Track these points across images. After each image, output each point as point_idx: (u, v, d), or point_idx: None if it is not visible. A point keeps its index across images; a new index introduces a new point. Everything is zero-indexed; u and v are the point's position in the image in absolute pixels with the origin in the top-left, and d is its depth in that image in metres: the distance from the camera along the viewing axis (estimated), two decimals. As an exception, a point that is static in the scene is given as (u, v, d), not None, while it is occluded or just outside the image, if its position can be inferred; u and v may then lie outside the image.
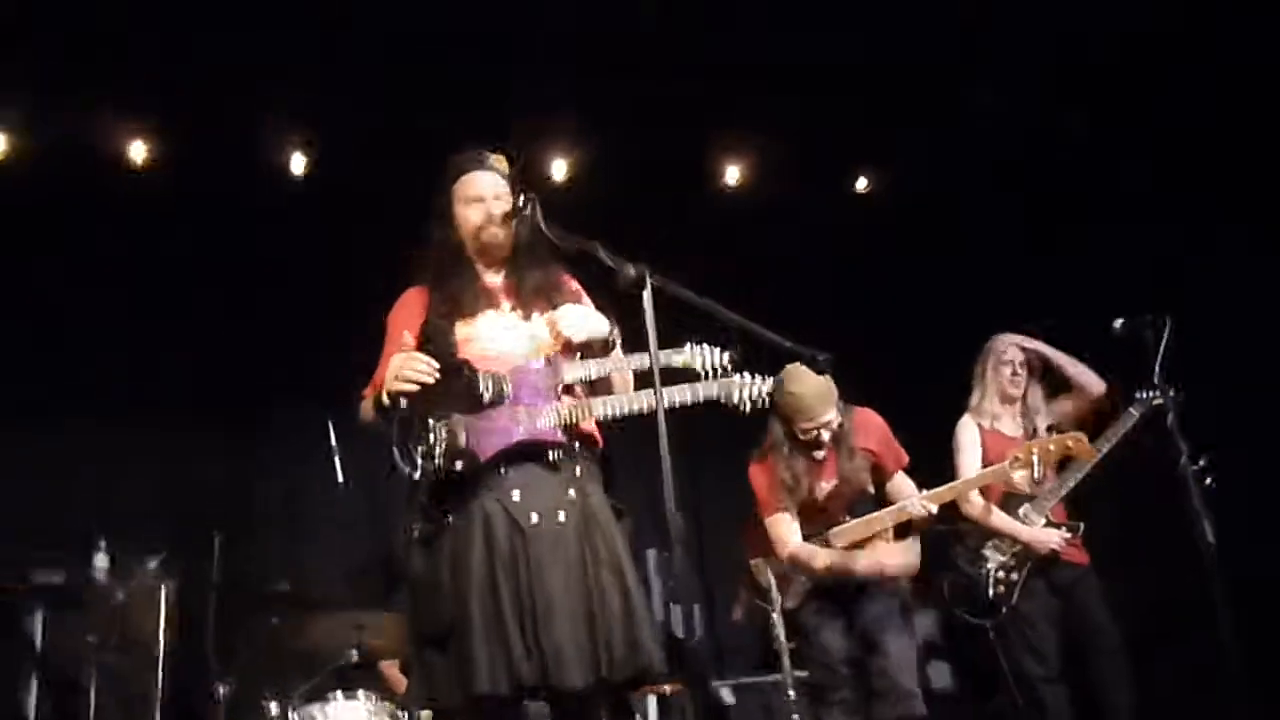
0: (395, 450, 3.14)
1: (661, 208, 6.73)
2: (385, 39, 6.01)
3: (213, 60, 5.87)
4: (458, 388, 3.20)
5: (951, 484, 4.70)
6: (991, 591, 4.92)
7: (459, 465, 3.12)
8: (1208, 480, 4.27)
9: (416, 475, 3.13)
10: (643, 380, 3.25)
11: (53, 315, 6.21)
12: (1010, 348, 5.23)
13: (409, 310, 3.50)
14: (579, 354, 3.35)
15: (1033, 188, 6.77)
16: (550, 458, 3.22)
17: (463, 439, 3.13)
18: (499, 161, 3.54)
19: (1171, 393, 4.61)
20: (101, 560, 5.51)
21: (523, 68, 6.16)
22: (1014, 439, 5.13)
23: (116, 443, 6.24)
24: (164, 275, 6.42)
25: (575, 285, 3.55)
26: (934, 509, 4.48)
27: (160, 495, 6.16)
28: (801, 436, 4.59)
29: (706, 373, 3.30)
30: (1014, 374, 5.18)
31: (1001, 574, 4.95)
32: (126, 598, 5.33)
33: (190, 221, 6.37)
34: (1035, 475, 4.88)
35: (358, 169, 6.48)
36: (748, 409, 3.33)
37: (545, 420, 3.21)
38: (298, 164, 6.63)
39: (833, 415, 4.58)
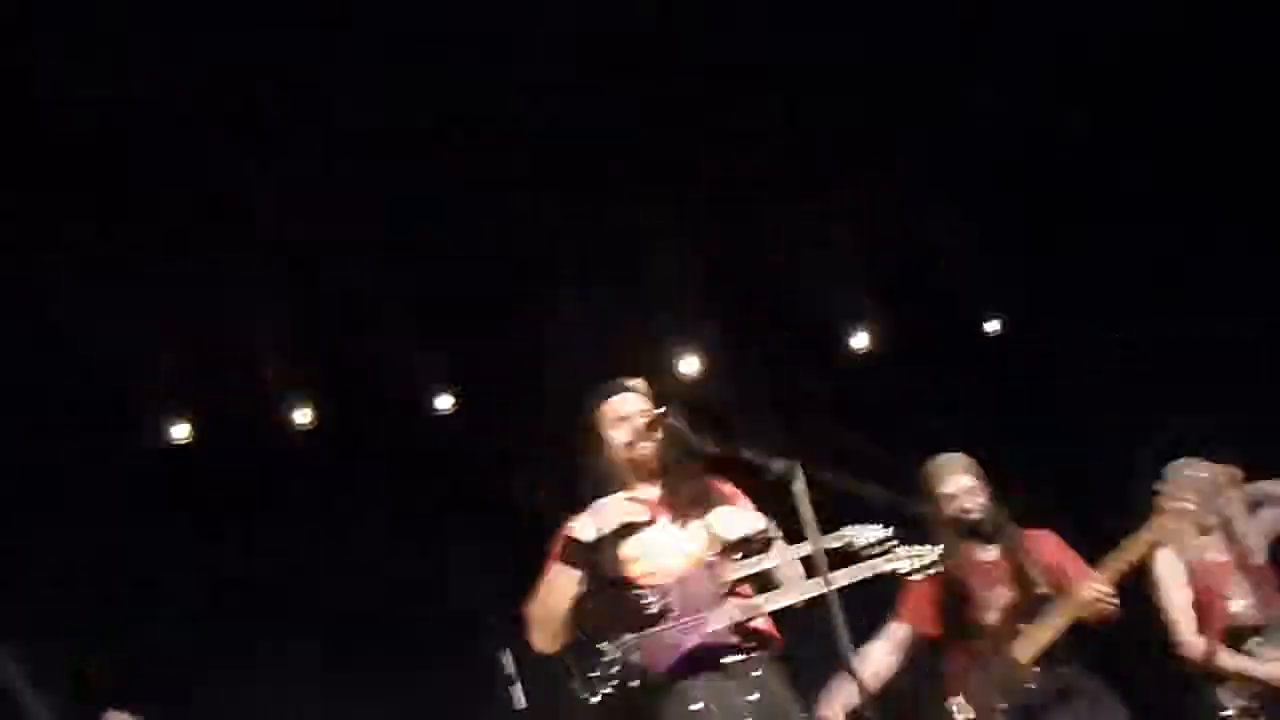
0: (573, 680, 3.15)
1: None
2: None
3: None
4: (624, 605, 3.25)
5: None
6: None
7: (634, 684, 3.12)
8: None
9: (594, 700, 3.12)
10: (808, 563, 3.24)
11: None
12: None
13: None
14: (741, 554, 3.34)
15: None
16: (726, 661, 3.23)
17: (636, 656, 3.14)
18: (638, 384, 3.65)
19: None
20: None
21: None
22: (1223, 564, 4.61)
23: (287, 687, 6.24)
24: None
25: (730, 489, 3.56)
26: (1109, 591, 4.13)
27: None
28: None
29: (868, 551, 3.31)
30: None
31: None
32: None
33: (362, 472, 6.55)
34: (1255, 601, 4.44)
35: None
36: (917, 577, 3.39)
37: (714, 624, 3.22)
38: (444, 403, 6.78)
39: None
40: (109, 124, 5.52)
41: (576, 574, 3.33)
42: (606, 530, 3.35)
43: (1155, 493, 4.48)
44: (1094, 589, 4.10)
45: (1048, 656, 4.17)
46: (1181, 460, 4.58)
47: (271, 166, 5.94)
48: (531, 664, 4.92)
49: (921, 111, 6.74)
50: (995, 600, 4.27)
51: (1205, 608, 4.55)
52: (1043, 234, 6.81)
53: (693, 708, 3.12)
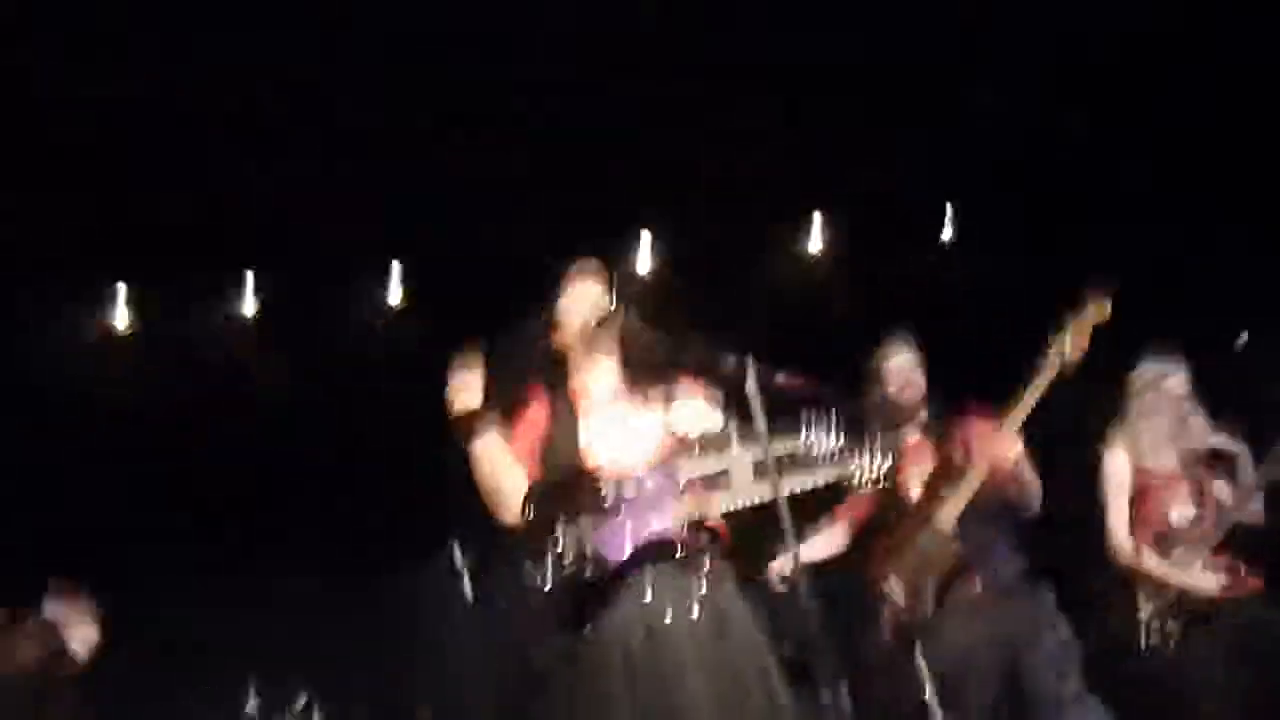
0: (526, 563, 3.14)
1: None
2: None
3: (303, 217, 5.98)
4: (579, 493, 3.26)
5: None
6: (1145, 642, 4.56)
7: (588, 574, 3.15)
8: None
9: (547, 587, 3.13)
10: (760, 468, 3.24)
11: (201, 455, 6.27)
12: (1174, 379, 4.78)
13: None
14: (696, 450, 3.35)
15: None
16: (678, 556, 3.26)
17: (589, 547, 3.16)
18: (596, 265, 3.66)
19: None
20: (251, 706, 5.50)
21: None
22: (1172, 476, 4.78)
23: (263, 587, 6.22)
24: (300, 418, 6.56)
25: (688, 381, 3.52)
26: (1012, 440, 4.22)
27: (306, 639, 6.09)
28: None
29: (823, 459, 3.28)
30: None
31: (1157, 623, 4.57)
32: None
33: (319, 365, 6.58)
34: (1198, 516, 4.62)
35: (451, 294, 6.54)
36: (868, 489, 3.38)
37: (668, 519, 3.25)
38: (394, 295, 6.76)
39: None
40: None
41: (526, 449, 3.37)
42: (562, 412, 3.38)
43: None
44: (997, 441, 4.17)
45: (968, 522, 4.25)
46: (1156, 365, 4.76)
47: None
48: (479, 557, 5.13)
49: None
50: (919, 475, 4.37)
51: (1144, 512, 4.72)
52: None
53: (645, 598, 3.15)
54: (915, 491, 4.41)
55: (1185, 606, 4.56)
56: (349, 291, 6.71)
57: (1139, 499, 4.78)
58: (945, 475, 4.34)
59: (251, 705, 5.45)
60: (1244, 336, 4.32)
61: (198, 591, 6.07)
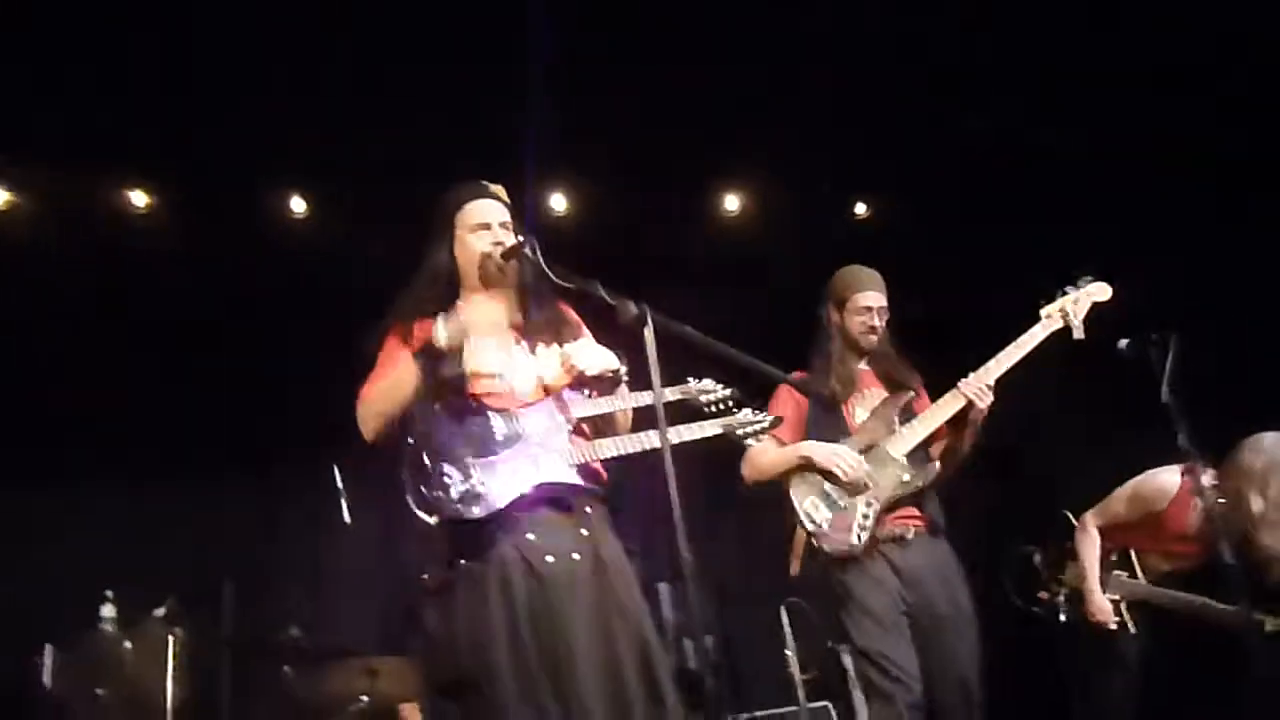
0: (410, 497, 2.99)
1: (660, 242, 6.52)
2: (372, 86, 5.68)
3: (213, 109, 5.56)
4: (470, 428, 3.11)
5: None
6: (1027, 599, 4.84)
7: (476, 511, 2.99)
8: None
9: (432, 522, 3.00)
10: (645, 416, 3.13)
11: (62, 362, 5.90)
12: None
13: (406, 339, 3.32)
14: (589, 390, 3.26)
15: (1032, 188, 6.68)
16: (563, 498, 3.14)
17: (478, 484, 3.02)
18: (499, 191, 3.47)
19: None
20: (108, 611, 5.18)
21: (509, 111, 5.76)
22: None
23: (124, 493, 5.97)
24: (160, 322, 6.08)
25: (576, 319, 3.44)
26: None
27: (169, 545, 5.86)
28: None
29: (710, 409, 3.25)
30: None
31: (1062, 598, 4.78)
32: (134, 648, 5.01)
33: (191, 271, 6.07)
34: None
35: (355, 212, 6.20)
36: (751, 443, 3.32)
37: (559, 461, 3.13)
38: (298, 205, 6.29)
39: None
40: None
41: (416, 368, 3.19)
42: (456, 341, 3.20)
43: None
44: (972, 383, 4.09)
45: (917, 458, 4.17)
46: None
47: None
48: (359, 479, 4.96)
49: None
50: (868, 401, 4.26)
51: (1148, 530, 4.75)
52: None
53: (528, 536, 3.05)
54: (860, 418, 4.25)
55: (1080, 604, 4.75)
56: (247, 201, 6.34)
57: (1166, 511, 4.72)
58: (897, 407, 4.24)
59: (108, 611, 5.20)
60: (1123, 343, 4.32)
61: (58, 497, 5.88)
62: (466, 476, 2.99)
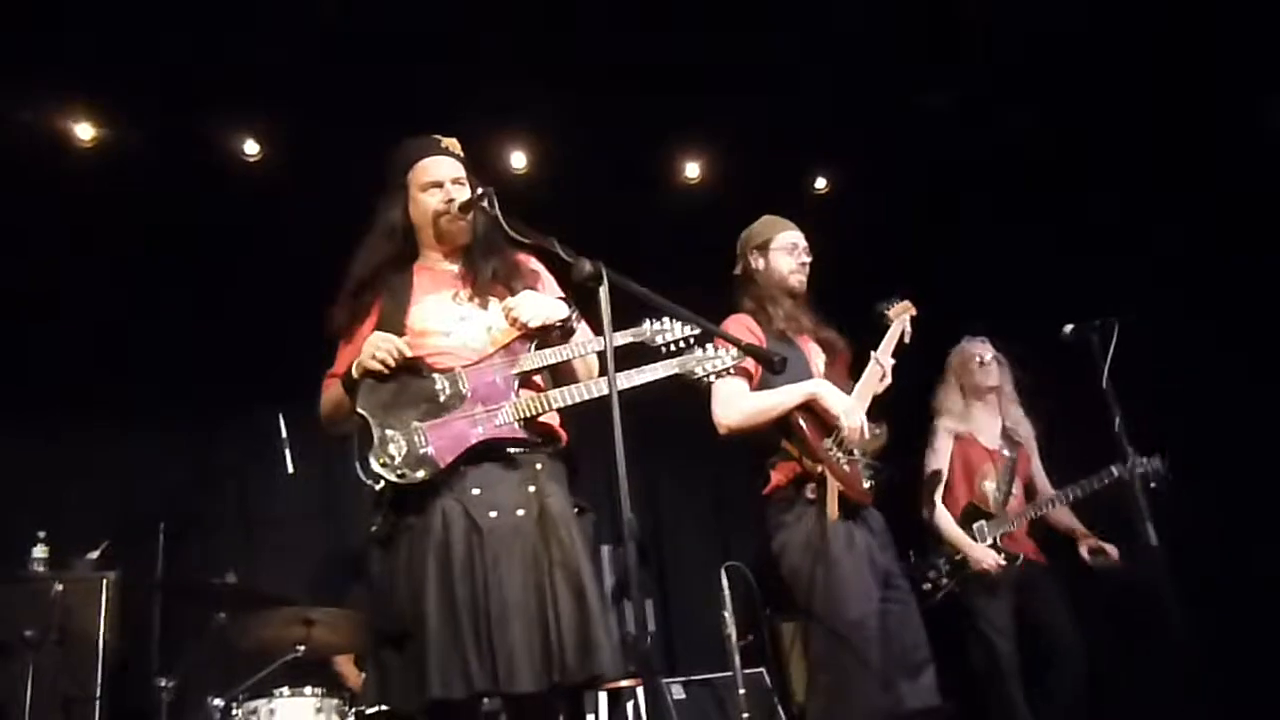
0: (357, 463, 3.01)
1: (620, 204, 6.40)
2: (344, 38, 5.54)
3: (170, 51, 5.39)
4: (414, 390, 3.10)
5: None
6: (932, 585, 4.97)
7: (420, 474, 3.01)
8: (1152, 484, 4.37)
9: (378, 487, 3.02)
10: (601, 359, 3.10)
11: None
12: (977, 345, 5.29)
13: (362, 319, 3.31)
14: (536, 341, 3.22)
15: (1031, 187, 6.65)
16: (510, 453, 3.12)
17: (422, 446, 3.03)
18: (453, 146, 3.41)
19: (1158, 462, 4.74)
20: (40, 551, 5.16)
21: (476, 66, 5.72)
22: (990, 451, 5.20)
23: (59, 435, 5.79)
24: (111, 263, 5.93)
25: (534, 266, 3.39)
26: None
27: (104, 488, 5.74)
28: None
29: (668, 348, 3.20)
30: (983, 367, 5.21)
31: (933, 573, 4.97)
32: (65, 590, 4.97)
33: (139, 212, 5.85)
34: (1001, 496, 5.02)
35: (307, 164, 6.02)
36: (711, 380, 3.24)
37: (503, 416, 3.10)
38: (251, 148, 6.11)
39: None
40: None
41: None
42: (398, 298, 3.25)
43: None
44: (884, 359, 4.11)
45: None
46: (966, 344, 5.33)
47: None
48: (303, 429, 4.92)
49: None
50: (818, 354, 4.16)
51: (958, 479, 5.18)
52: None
53: (473, 491, 3.05)
54: (818, 363, 4.14)
55: (961, 569, 4.98)
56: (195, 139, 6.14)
57: (961, 466, 5.19)
58: (846, 364, 4.17)
59: (40, 552, 5.19)
60: (1068, 328, 4.40)
61: None
62: (411, 440, 3.00)
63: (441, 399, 3.07)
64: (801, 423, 3.86)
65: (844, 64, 5.94)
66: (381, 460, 2.97)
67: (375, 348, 3.10)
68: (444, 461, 3.00)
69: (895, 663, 3.68)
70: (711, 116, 6.36)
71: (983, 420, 5.26)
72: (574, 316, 3.18)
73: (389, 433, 3.00)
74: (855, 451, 3.88)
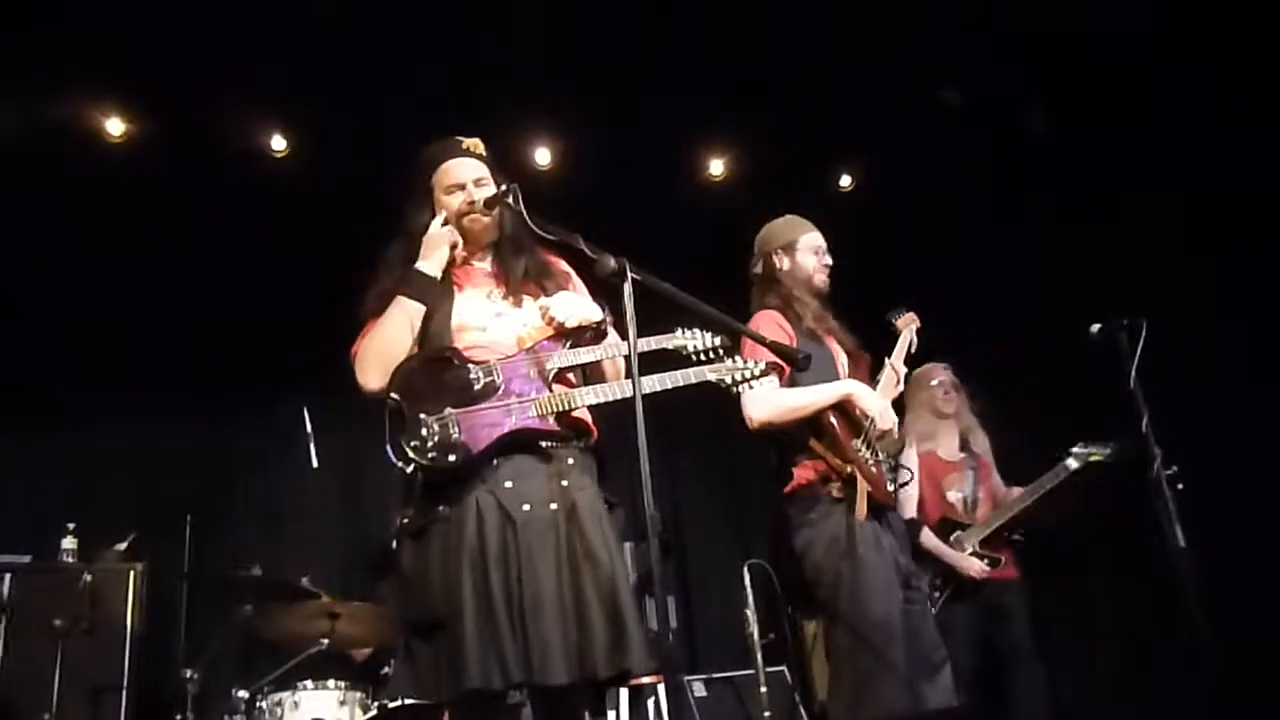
0: (389, 446, 3.03)
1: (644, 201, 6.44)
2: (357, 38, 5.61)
3: (192, 47, 5.46)
4: (449, 379, 3.12)
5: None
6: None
7: (452, 459, 3.03)
8: (1179, 485, 4.24)
9: (409, 470, 3.04)
10: (645, 363, 3.07)
11: (29, 296, 5.78)
12: (939, 371, 5.51)
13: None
14: (569, 341, 3.25)
15: (1029, 188, 6.57)
16: (542, 446, 3.15)
17: (455, 432, 3.05)
18: (475, 147, 3.45)
19: (1111, 447, 5.00)
20: (69, 542, 5.23)
21: (496, 65, 5.79)
22: (951, 464, 5.45)
23: (90, 426, 5.90)
24: (137, 259, 6.01)
25: (564, 268, 3.43)
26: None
27: (134, 480, 5.87)
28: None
29: (698, 356, 3.21)
30: (945, 394, 5.47)
31: (935, 587, 5.15)
32: (94, 580, 5.05)
33: (167, 205, 5.91)
34: (969, 502, 5.29)
35: (333, 163, 6.10)
36: (740, 391, 3.27)
37: (536, 409, 3.13)
38: (278, 143, 6.18)
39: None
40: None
41: (420, 307, 3.25)
42: (445, 300, 3.27)
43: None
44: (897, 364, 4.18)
45: None
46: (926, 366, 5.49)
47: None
48: (327, 423, 5.05)
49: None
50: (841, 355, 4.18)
51: (932, 492, 5.38)
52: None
53: (506, 484, 3.09)
54: (843, 364, 4.15)
55: (951, 579, 5.17)
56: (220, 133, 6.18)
57: (928, 481, 5.38)
58: (867, 368, 4.16)
59: (69, 543, 5.25)
60: (1095, 327, 4.38)
61: (22, 428, 5.79)
62: (444, 425, 3.02)
63: (476, 388, 3.09)
64: (833, 421, 3.87)
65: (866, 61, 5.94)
66: (414, 444, 2.99)
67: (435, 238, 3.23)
68: (477, 448, 3.02)
69: (916, 663, 3.66)
70: (736, 115, 6.39)
71: (941, 436, 5.50)
72: (608, 320, 3.21)
73: (423, 417, 3.02)
74: (881, 453, 3.89)
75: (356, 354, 3.25)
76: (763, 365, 3.26)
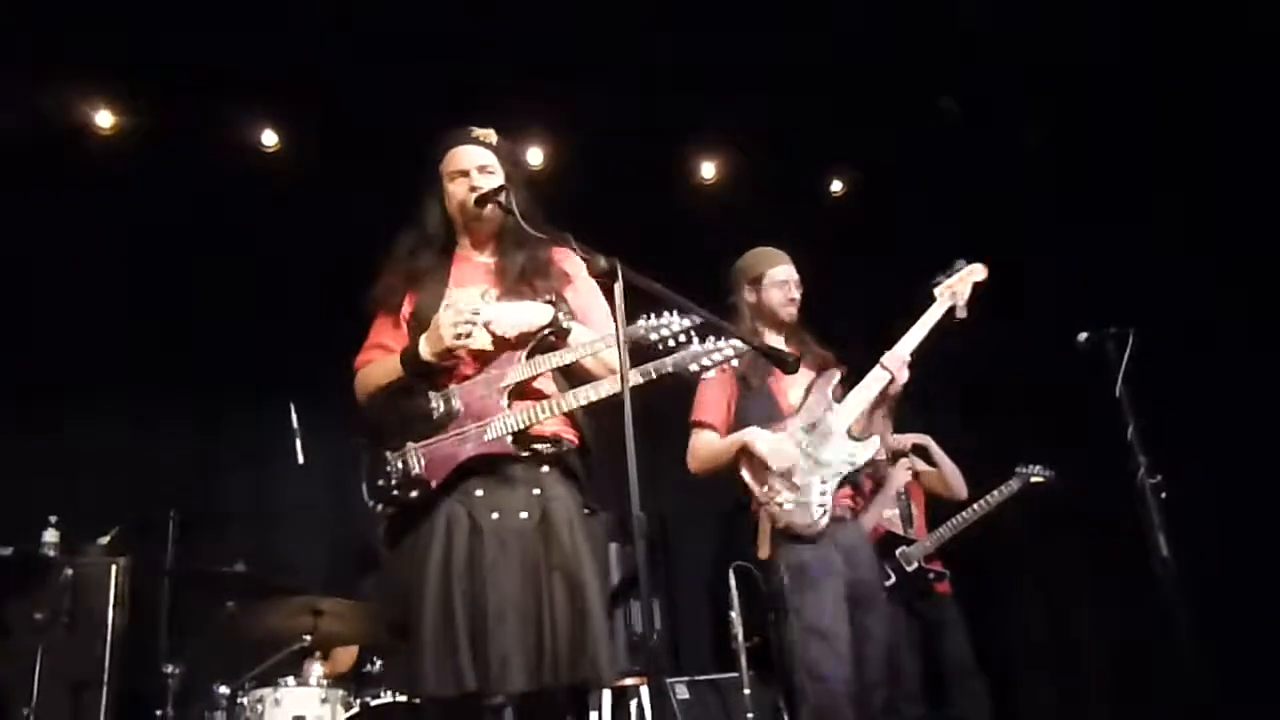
0: (363, 485, 3.13)
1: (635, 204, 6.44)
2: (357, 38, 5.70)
3: (187, 43, 5.57)
4: (407, 409, 3.17)
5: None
6: None
7: (414, 495, 3.10)
8: (1163, 494, 4.28)
9: (379, 509, 3.14)
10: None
11: (15, 291, 5.81)
12: None
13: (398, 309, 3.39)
14: (526, 351, 3.20)
15: (1027, 189, 6.61)
16: (504, 469, 3.14)
17: (415, 467, 3.11)
18: (486, 136, 3.41)
19: (1051, 472, 5.29)
20: (51, 535, 5.23)
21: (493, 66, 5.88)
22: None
23: (73, 420, 5.93)
24: (125, 254, 6.05)
25: (565, 269, 3.37)
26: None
27: (117, 475, 5.88)
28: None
29: (670, 340, 3.12)
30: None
31: None
32: (76, 575, 5.07)
33: (156, 200, 5.97)
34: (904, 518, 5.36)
35: (326, 159, 6.15)
36: (713, 373, 3.20)
37: (493, 431, 3.12)
38: (269, 139, 6.26)
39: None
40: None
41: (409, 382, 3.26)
42: (437, 293, 3.29)
43: None
44: (894, 358, 4.22)
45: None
46: None
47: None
48: (313, 419, 5.08)
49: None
50: (799, 379, 4.25)
51: None
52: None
53: (476, 493, 3.11)
54: (795, 396, 4.26)
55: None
56: (212, 131, 6.23)
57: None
58: (831, 383, 4.24)
59: (51, 536, 5.26)
60: (1082, 336, 4.40)
61: (6, 421, 5.81)
62: (404, 460, 3.09)
63: (435, 417, 3.12)
64: (743, 468, 4.12)
65: (859, 65, 6.00)
66: (379, 483, 3.09)
67: (454, 325, 3.12)
68: (434, 482, 3.08)
69: (871, 674, 3.89)
70: (727, 117, 6.41)
71: None
72: (563, 316, 3.18)
73: (388, 455, 3.10)
74: (823, 474, 4.02)
75: (358, 374, 3.31)
76: (735, 345, 3.15)
